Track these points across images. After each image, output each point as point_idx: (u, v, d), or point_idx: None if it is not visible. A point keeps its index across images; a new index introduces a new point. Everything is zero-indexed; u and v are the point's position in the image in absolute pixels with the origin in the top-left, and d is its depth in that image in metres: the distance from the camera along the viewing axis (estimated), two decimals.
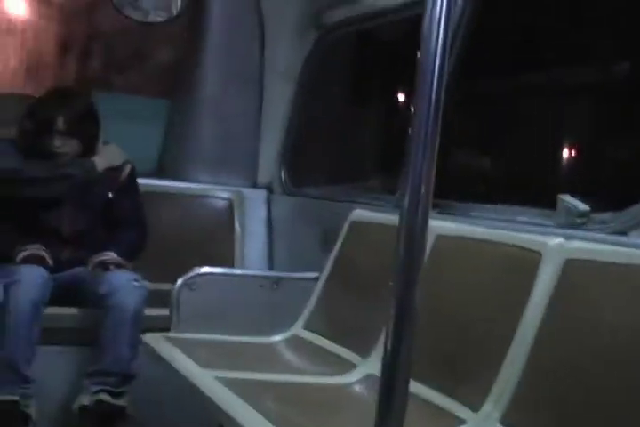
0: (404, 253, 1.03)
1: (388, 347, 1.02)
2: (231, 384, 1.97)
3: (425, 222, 1.03)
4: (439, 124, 1.05)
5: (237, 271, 2.97)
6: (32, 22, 3.88)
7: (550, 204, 2.12)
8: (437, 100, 1.05)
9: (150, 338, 2.46)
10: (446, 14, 1.07)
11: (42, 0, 3.87)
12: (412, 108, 1.06)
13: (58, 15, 3.89)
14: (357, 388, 2.17)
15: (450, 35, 1.09)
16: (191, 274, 2.63)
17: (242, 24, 3.82)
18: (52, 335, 2.75)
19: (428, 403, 1.86)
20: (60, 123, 2.91)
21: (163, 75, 4.05)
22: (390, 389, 1.05)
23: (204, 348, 2.40)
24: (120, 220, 3.09)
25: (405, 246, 1.04)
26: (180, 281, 2.62)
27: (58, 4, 3.89)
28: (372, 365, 2.20)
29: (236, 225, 3.68)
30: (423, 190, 1.02)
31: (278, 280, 2.82)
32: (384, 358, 1.04)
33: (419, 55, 1.09)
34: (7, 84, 3.79)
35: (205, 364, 2.18)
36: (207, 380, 1.99)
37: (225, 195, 3.71)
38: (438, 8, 1.07)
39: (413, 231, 1.03)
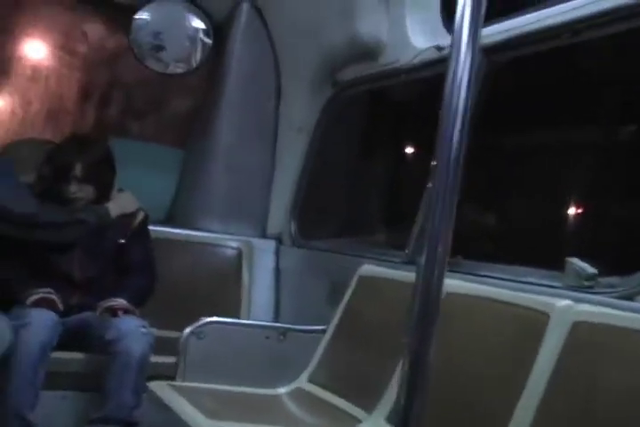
0: (420, 309, 1.05)
1: (402, 402, 1.03)
2: None
3: (441, 279, 1.05)
4: (458, 181, 1.07)
5: (245, 322, 2.99)
6: (55, 69, 3.97)
7: (558, 265, 2.15)
8: (457, 157, 1.08)
9: (156, 386, 2.46)
10: (469, 73, 1.10)
11: (66, 49, 3.97)
12: (433, 165, 1.09)
13: (81, 64, 3.99)
14: None
15: (471, 94, 1.12)
16: (199, 323, 2.65)
17: (259, 78, 3.91)
18: (56, 380, 2.76)
19: None
20: (78, 169, 2.97)
21: (179, 124, 4.12)
22: None
23: (210, 397, 2.40)
24: (130, 266, 3.12)
25: (421, 303, 1.06)
26: (187, 329, 2.63)
27: (82, 53, 3.99)
28: (377, 420, 2.20)
29: (244, 275, 3.71)
30: (440, 247, 1.05)
31: (285, 332, 2.83)
32: (397, 414, 1.05)
33: (440, 113, 1.12)
34: (28, 128, 3.87)
35: (211, 414, 2.18)
36: None
37: (234, 244, 3.75)
38: (461, 68, 1.10)
39: (429, 288, 1.06)
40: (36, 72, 3.91)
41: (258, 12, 3.85)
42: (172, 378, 2.64)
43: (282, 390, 2.58)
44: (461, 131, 1.07)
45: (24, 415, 2.63)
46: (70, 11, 3.89)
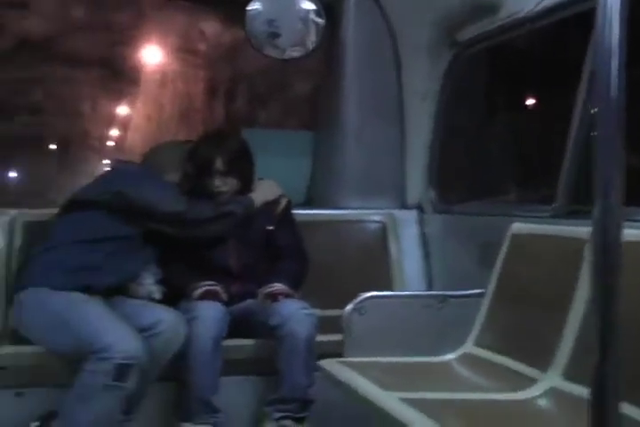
0: (601, 263, 1.03)
1: (595, 365, 1.01)
2: (416, 405, 1.99)
3: (619, 230, 1.02)
4: (623, 124, 1.03)
5: (403, 293, 3.01)
6: (180, 71, 4.11)
7: None
8: (618, 99, 1.02)
9: (327, 363, 2.52)
10: (621, 4, 1.04)
11: (187, 50, 4.10)
12: (593, 112, 1.05)
13: (203, 62, 4.11)
14: (541, 402, 2.14)
15: (624, 28, 1.05)
16: (359, 299, 2.68)
17: (376, 51, 3.89)
18: (231, 366, 2.87)
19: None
20: (219, 163, 3.06)
21: (305, 107, 4.17)
22: (600, 411, 1.04)
23: (380, 370, 2.43)
24: (281, 251, 3.20)
25: (600, 255, 1.03)
26: (349, 306, 2.67)
27: (202, 51, 4.11)
28: (553, 378, 2.17)
29: (391, 247, 3.72)
30: (613, 196, 1.01)
31: (443, 299, 2.83)
32: (592, 379, 1.03)
33: (593, 53, 1.06)
34: (163, 130, 4.03)
35: (385, 386, 2.21)
36: (392, 401, 2.02)
37: (377, 218, 3.77)
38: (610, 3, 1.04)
39: (606, 238, 1.03)
40: (163, 76, 4.07)
41: None
42: (340, 355, 2.69)
43: (450, 357, 2.59)
44: (619, 70, 1.02)
45: (208, 400, 2.77)
46: (186, 13, 4.01)
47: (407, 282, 3.62)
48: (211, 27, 4.07)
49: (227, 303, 2.95)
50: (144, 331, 2.70)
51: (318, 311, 2.97)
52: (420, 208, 3.83)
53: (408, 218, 3.81)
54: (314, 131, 4.14)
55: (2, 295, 3.14)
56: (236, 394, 2.92)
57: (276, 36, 3.90)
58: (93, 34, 3.93)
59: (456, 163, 3.86)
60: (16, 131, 3.89)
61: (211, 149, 3.09)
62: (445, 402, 2.09)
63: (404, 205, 3.88)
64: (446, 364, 2.56)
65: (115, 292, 2.89)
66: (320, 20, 3.94)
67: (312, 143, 4.13)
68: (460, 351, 2.61)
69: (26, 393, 2.82)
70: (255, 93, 4.08)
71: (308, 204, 4.01)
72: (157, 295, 2.93)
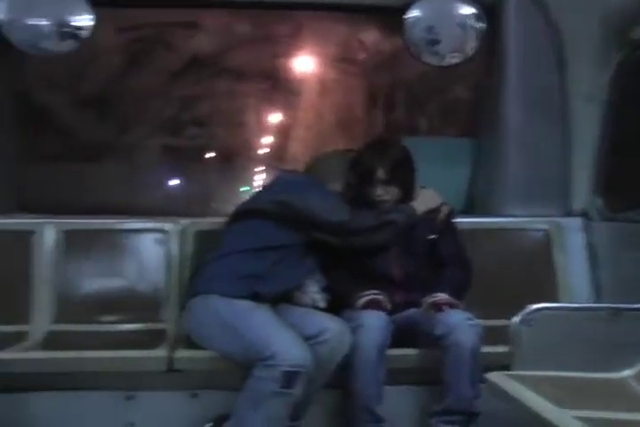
0: None
1: None
2: (592, 424, 1.91)
3: None
4: None
5: (573, 305, 2.90)
6: (340, 81, 4.17)
7: None
8: None
9: (495, 376, 2.46)
10: None
11: (347, 59, 4.15)
12: None
13: (362, 71, 4.15)
14: None
15: None
16: (527, 310, 2.60)
17: (538, 53, 3.79)
18: (395, 376, 2.87)
19: None
20: (381, 173, 3.07)
21: (465, 114, 4.13)
22: None
23: (552, 385, 2.35)
24: (444, 260, 3.17)
25: None
26: (517, 318, 2.60)
27: (361, 61, 4.15)
28: None
29: (556, 256, 3.61)
30: None
31: (616, 312, 2.69)
32: None
33: None
34: (324, 140, 4.10)
35: (558, 402, 2.13)
36: (567, 419, 1.95)
37: (541, 226, 3.66)
38: None
39: None
40: (323, 87, 4.15)
41: None
42: (506, 367, 2.62)
43: (627, 373, 2.46)
44: None
45: (372, 409, 2.79)
46: (344, 23, 4.06)
47: (573, 293, 3.50)
48: (369, 36, 4.09)
49: (390, 312, 2.96)
50: (310, 339, 2.75)
51: (483, 323, 2.92)
52: (585, 215, 3.69)
53: (573, 226, 3.68)
54: (474, 137, 4.08)
55: (175, 302, 3.31)
56: (399, 404, 2.93)
57: (435, 42, 3.88)
58: (256, 48, 4.06)
59: (627, 169, 3.68)
60: (184, 144, 4.10)
61: (373, 159, 3.11)
62: (624, 423, 2.00)
63: (568, 213, 3.75)
64: (623, 381, 2.44)
65: (280, 300, 2.97)
66: (480, 25, 3.88)
67: (473, 150, 4.07)
68: (638, 368, 2.48)
69: (200, 395, 2.94)
70: (414, 101, 4.07)
71: (469, 211, 3.96)
72: (322, 304, 2.98)
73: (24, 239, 3.45)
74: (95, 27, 3.74)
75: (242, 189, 4.12)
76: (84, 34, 3.75)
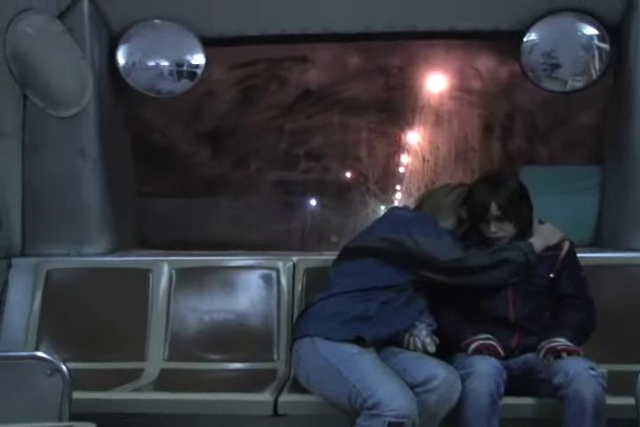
0: None
1: None
2: None
3: None
4: None
5: None
6: (455, 111, 4.05)
7: None
8: None
9: None
10: None
11: (462, 88, 4.03)
12: None
13: (479, 100, 4.02)
14: None
15: None
16: None
17: None
18: (511, 426, 2.70)
19: None
20: (494, 208, 2.92)
21: (590, 141, 3.91)
22: None
23: None
24: (565, 300, 2.97)
25: None
26: None
27: (478, 89, 4.02)
28: None
29: None
30: None
31: None
32: None
33: None
34: (439, 172, 3.99)
35: None
36: None
37: None
38: None
39: None
40: (438, 117, 4.04)
41: None
42: (634, 421, 2.40)
43: None
44: None
45: None
46: (459, 50, 3.95)
47: None
48: (485, 62, 3.96)
49: (504, 357, 2.79)
50: (418, 386, 2.63)
51: (607, 366, 2.70)
52: None
53: None
54: (601, 165, 3.85)
55: (284, 343, 3.27)
56: None
57: (555, 67, 3.70)
58: (368, 80, 4.02)
59: None
60: (298, 177, 4.11)
61: (486, 194, 2.96)
62: None
63: None
64: None
65: (389, 343, 2.86)
66: (604, 46, 3.67)
67: (599, 179, 3.85)
68: None
69: None
70: (536, 130, 3.90)
71: (596, 244, 3.73)
72: (431, 348, 2.84)
73: (141, 277, 3.52)
74: (208, 65, 3.82)
75: (355, 223, 4.04)
76: (198, 73, 3.83)
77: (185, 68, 3.83)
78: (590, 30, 3.68)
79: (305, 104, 4.12)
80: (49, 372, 2.41)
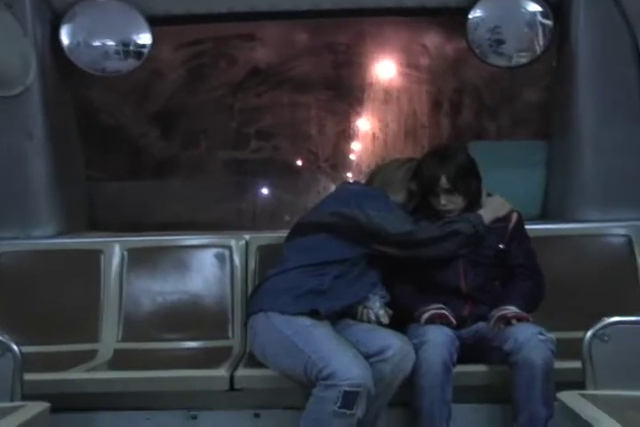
0: None
1: None
2: None
3: None
4: None
5: None
6: (404, 88, 4.08)
7: None
8: None
9: (566, 396, 2.31)
10: None
11: (410, 65, 4.06)
12: None
13: (426, 76, 4.06)
14: None
15: None
16: (600, 324, 2.44)
17: (612, 49, 3.61)
18: (463, 393, 2.75)
19: None
20: (444, 181, 2.95)
21: (536, 116, 3.97)
22: None
23: (628, 407, 2.19)
24: (514, 270, 3.02)
25: None
26: (589, 333, 2.44)
27: (425, 66, 4.05)
28: None
29: (639, 263, 3.40)
30: None
31: None
32: None
33: None
34: (389, 148, 4.02)
35: (633, 426, 1.98)
36: None
37: (621, 231, 3.48)
38: None
39: None
40: (387, 94, 4.07)
41: None
42: (580, 384, 2.47)
43: None
44: None
45: None
46: (406, 28, 3.97)
47: None
48: (432, 39, 3.99)
49: (456, 327, 2.83)
50: (372, 356, 2.66)
51: (556, 335, 2.76)
52: None
53: None
54: (547, 140, 3.91)
55: (238, 319, 3.27)
56: (469, 422, 2.81)
57: (500, 42, 3.75)
58: (316, 57, 4.02)
59: None
60: (248, 156, 4.10)
61: (435, 167, 2.99)
62: None
63: None
64: None
65: (342, 316, 2.89)
66: (547, 22, 3.73)
67: (546, 153, 3.92)
68: None
69: (263, 415, 2.89)
70: (483, 105, 3.95)
71: (543, 217, 3.80)
72: (385, 319, 2.87)
73: (92, 258, 3.48)
74: (155, 44, 3.78)
75: (307, 200, 4.05)
76: (144, 52, 3.79)
77: (131, 47, 3.78)
78: (534, 7, 3.73)
79: (253, 82, 4.11)
80: None
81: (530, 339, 2.65)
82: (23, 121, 3.61)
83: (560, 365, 2.68)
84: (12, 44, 3.50)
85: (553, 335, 2.73)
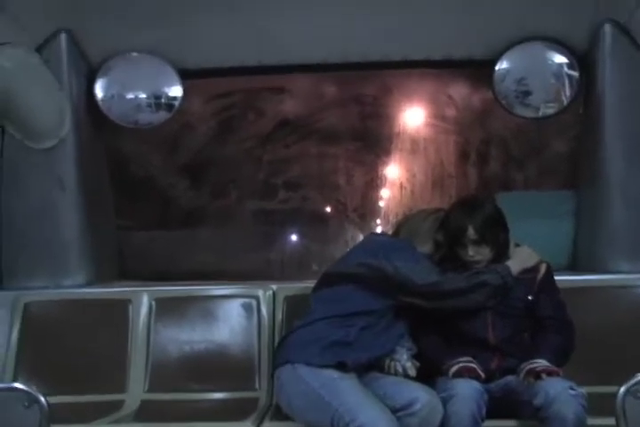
0: None
1: None
2: None
3: None
4: None
5: None
6: (431, 138, 4.11)
7: None
8: None
9: None
10: None
11: (437, 116, 4.10)
12: None
13: (454, 127, 4.09)
14: None
15: None
16: (634, 380, 2.39)
17: (638, 98, 3.61)
18: None
19: None
20: (471, 232, 2.95)
21: (564, 166, 3.97)
22: None
23: None
24: (544, 322, 2.99)
25: None
26: (622, 389, 2.38)
27: (452, 116, 4.09)
28: None
29: None
30: None
31: None
32: None
33: None
34: (417, 199, 4.04)
35: None
36: None
37: None
38: None
39: None
40: (414, 144, 4.11)
41: (623, 29, 3.57)
42: None
43: None
44: None
45: None
46: (433, 79, 4.02)
47: None
48: (458, 90, 4.04)
49: (485, 380, 2.79)
50: (400, 410, 2.63)
51: (587, 389, 2.71)
52: None
53: None
54: (575, 190, 3.91)
55: (265, 371, 3.26)
56: None
57: (527, 94, 3.78)
58: (344, 109, 4.08)
59: None
60: (277, 207, 4.14)
61: (462, 218, 2.99)
62: None
63: None
64: None
65: (369, 368, 2.86)
66: (574, 73, 3.76)
67: (574, 203, 3.91)
68: None
69: None
70: (510, 156, 3.98)
71: (572, 268, 3.76)
72: (412, 372, 2.85)
73: (120, 308, 3.50)
74: (186, 97, 3.86)
75: (335, 250, 4.06)
76: (175, 104, 3.87)
77: (163, 100, 3.87)
78: (560, 58, 3.77)
79: (282, 134, 4.17)
80: (26, 404, 2.38)
81: (561, 393, 2.60)
82: (56, 173, 3.68)
83: (592, 421, 2.63)
84: (48, 98, 3.59)
85: (584, 390, 2.68)
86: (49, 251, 3.70)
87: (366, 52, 3.78)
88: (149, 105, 3.87)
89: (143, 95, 3.86)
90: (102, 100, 3.84)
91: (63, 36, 3.64)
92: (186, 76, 3.84)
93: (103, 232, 4.01)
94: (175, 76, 3.83)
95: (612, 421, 2.44)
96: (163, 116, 3.88)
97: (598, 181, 3.71)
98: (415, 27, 3.66)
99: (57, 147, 3.65)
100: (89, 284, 3.75)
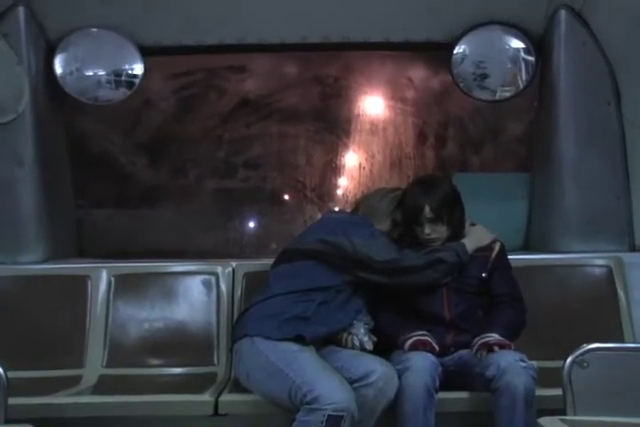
0: None
1: None
2: None
3: None
4: None
5: (632, 345, 2.76)
6: (390, 119, 4.16)
7: None
8: None
9: (546, 421, 2.34)
10: None
11: (396, 98, 4.15)
12: None
13: (412, 109, 4.14)
14: None
15: None
16: (580, 351, 2.48)
17: (592, 84, 3.71)
18: (446, 419, 2.77)
19: None
20: (427, 211, 3.01)
21: (519, 149, 4.06)
22: None
23: None
24: (497, 299, 3.07)
25: None
26: (568, 359, 2.47)
27: (411, 98, 4.14)
28: None
29: (619, 293, 3.47)
30: None
31: None
32: None
33: None
34: (375, 179, 4.08)
35: None
36: None
37: (602, 262, 3.53)
38: None
39: None
40: (373, 125, 4.15)
41: (577, 16, 3.65)
42: (561, 411, 2.50)
43: None
44: None
45: None
46: (392, 62, 4.07)
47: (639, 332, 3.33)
48: (418, 73, 4.10)
49: (440, 354, 2.87)
50: (355, 382, 2.68)
51: (538, 363, 2.80)
52: None
53: (637, 261, 3.53)
54: (529, 172, 3.99)
55: (224, 346, 3.29)
56: None
57: (484, 77, 3.85)
58: (305, 89, 4.11)
59: None
60: (236, 185, 4.16)
61: (419, 197, 3.05)
62: None
63: (632, 248, 3.62)
64: None
65: (327, 342, 2.91)
66: (530, 58, 3.84)
67: (528, 185, 3.99)
68: None
69: None
70: (467, 138, 4.05)
71: (525, 248, 3.85)
72: (369, 346, 2.91)
73: (79, 284, 3.50)
74: (147, 75, 3.85)
75: (293, 229, 4.10)
76: (136, 82, 3.86)
77: (123, 77, 3.85)
78: (517, 43, 3.84)
79: (243, 113, 4.18)
80: None
81: (511, 365, 2.68)
82: (14, 148, 3.65)
83: (541, 392, 2.72)
84: (5, 72, 3.55)
85: (534, 363, 2.77)
86: (5, 227, 3.68)
87: (326, 33, 3.81)
88: (109, 82, 3.85)
89: (103, 72, 3.84)
90: (61, 75, 3.81)
91: (21, 10, 3.60)
92: (146, 53, 3.82)
93: (61, 209, 3.98)
94: (136, 53, 3.82)
95: (558, 391, 2.52)
96: (123, 93, 3.86)
97: (552, 163, 3.80)
98: (375, 9, 3.70)
99: (14, 122, 3.61)
100: (46, 261, 3.73)
